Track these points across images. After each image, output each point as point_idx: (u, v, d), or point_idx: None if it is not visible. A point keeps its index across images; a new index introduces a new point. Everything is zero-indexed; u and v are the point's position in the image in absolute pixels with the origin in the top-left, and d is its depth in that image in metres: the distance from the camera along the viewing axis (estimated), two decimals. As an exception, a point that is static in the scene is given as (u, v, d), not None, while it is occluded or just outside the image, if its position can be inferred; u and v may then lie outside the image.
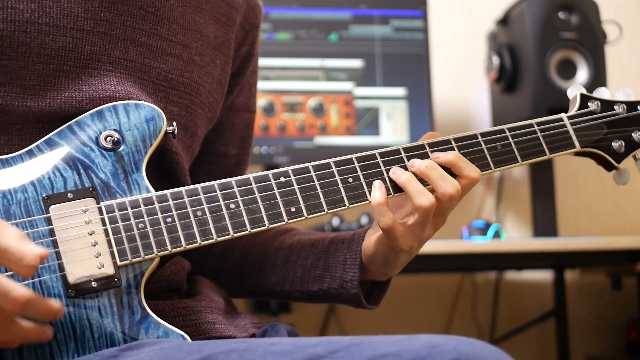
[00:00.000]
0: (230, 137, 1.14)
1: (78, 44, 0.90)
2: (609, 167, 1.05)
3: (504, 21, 2.23)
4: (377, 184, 0.92)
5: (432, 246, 1.86)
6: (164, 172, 0.96)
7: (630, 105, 1.06)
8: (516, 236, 2.43)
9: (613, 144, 1.04)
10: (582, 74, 2.10)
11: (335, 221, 1.92)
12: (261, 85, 2.10)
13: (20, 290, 0.72)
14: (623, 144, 1.04)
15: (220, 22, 1.04)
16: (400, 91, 2.18)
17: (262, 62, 2.11)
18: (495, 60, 2.20)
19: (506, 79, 2.18)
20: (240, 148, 1.15)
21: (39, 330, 0.77)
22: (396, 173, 0.93)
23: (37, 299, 0.74)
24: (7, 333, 0.75)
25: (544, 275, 2.45)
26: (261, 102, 2.10)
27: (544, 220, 2.16)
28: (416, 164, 0.93)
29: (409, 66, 2.19)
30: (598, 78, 2.08)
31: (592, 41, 2.10)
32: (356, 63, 2.17)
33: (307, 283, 1.04)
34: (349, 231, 1.03)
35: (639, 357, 2.34)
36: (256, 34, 1.12)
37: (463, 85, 2.47)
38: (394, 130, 2.16)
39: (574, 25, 2.09)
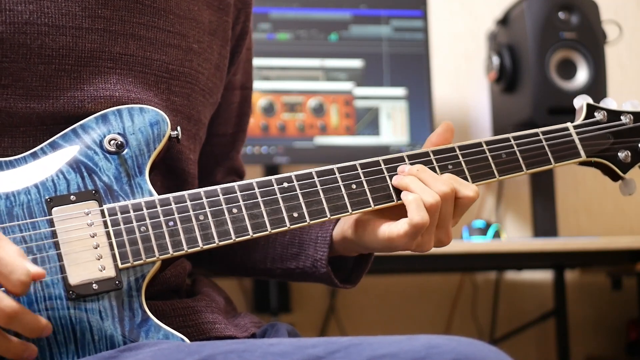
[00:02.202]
0: (227, 116, 1.14)
1: (78, 43, 0.90)
2: (615, 177, 1.04)
3: (504, 21, 2.23)
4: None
5: (432, 246, 1.86)
6: (167, 164, 0.96)
7: (637, 116, 1.06)
8: (516, 236, 2.43)
9: (619, 154, 1.04)
10: (582, 74, 2.10)
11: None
12: (261, 85, 2.10)
13: (7, 301, 0.72)
14: (629, 154, 1.04)
15: (213, 6, 1.05)
16: (400, 91, 2.18)
17: (262, 62, 2.12)
18: (495, 60, 2.20)
19: (506, 79, 2.18)
20: (237, 126, 1.16)
21: (23, 346, 0.76)
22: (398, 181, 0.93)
23: (25, 313, 0.74)
24: None
25: (544, 275, 2.45)
26: (261, 102, 2.10)
27: (544, 220, 2.16)
28: (406, 169, 0.93)
29: (409, 66, 2.19)
30: (598, 78, 2.08)
31: (592, 41, 2.10)
32: (356, 63, 2.18)
33: (286, 261, 1.04)
34: None
35: (639, 357, 2.34)
36: (249, 11, 1.12)
37: (463, 85, 2.47)
38: (394, 130, 2.16)
39: (574, 25, 2.09)
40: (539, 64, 2.06)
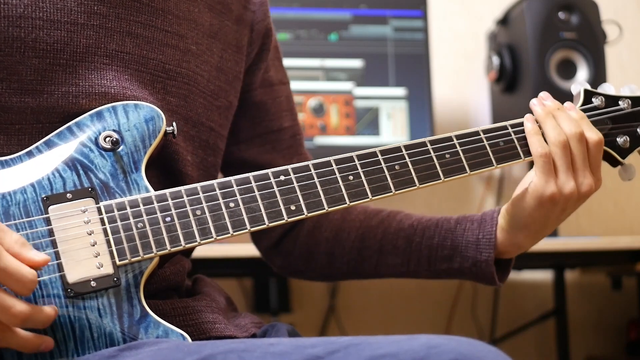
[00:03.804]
0: (278, 111, 1.15)
1: (73, 38, 0.90)
2: (613, 162, 1.04)
3: (504, 21, 2.23)
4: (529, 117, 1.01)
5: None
6: (163, 164, 0.96)
7: (635, 101, 1.05)
8: (516, 236, 2.43)
9: (618, 139, 1.03)
10: (582, 74, 2.10)
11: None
12: (261, 85, 2.10)
13: (20, 307, 0.74)
14: (628, 139, 1.03)
15: (214, 10, 1.05)
16: (400, 91, 2.18)
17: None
18: (495, 60, 2.20)
19: (506, 79, 2.18)
20: (291, 119, 1.17)
21: (39, 339, 0.77)
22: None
23: (37, 313, 0.76)
24: (2, 342, 0.76)
25: (544, 275, 2.45)
26: (261, 102, 2.10)
27: (544, 220, 2.15)
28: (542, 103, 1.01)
29: (409, 66, 2.19)
30: (598, 78, 2.07)
31: (592, 41, 2.10)
32: (356, 63, 2.17)
33: (435, 262, 1.07)
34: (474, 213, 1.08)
35: (639, 357, 2.34)
36: (265, 10, 1.14)
37: (463, 85, 2.47)
38: (394, 130, 2.16)
39: (574, 25, 2.09)
40: (539, 64, 2.06)
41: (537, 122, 1.00)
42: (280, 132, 1.15)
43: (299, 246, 1.16)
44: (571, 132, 0.97)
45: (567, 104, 1.01)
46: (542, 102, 1.01)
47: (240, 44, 1.08)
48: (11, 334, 0.76)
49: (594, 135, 0.98)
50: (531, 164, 0.99)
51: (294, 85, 2.25)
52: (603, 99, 1.04)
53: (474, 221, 1.05)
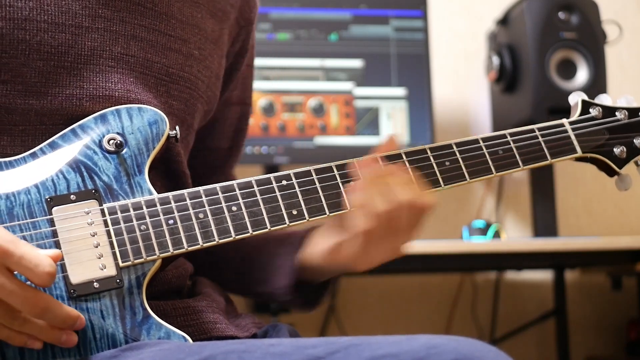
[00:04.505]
0: (223, 131, 1.14)
1: (77, 41, 0.90)
2: (610, 172, 1.05)
3: (504, 21, 2.23)
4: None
5: (432, 246, 1.86)
6: (168, 167, 0.96)
7: (632, 112, 1.06)
8: (516, 236, 2.44)
9: (615, 149, 1.04)
10: (582, 74, 2.10)
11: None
12: (261, 85, 2.10)
13: (38, 296, 0.75)
14: (625, 149, 1.04)
15: (216, 16, 1.05)
16: (400, 91, 2.18)
17: (262, 62, 2.12)
18: (495, 60, 2.20)
19: (506, 79, 2.18)
20: (232, 140, 1.15)
21: (58, 332, 0.78)
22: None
23: (56, 305, 0.76)
24: (26, 329, 0.77)
25: (544, 275, 2.45)
26: (261, 102, 2.10)
27: (544, 220, 2.16)
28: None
29: (409, 66, 2.19)
30: (598, 78, 2.08)
31: (592, 41, 2.10)
32: (356, 63, 2.18)
33: (255, 286, 1.04)
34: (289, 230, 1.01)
35: (639, 357, 2.34)
36: (250, 29, 1.12)
37: (463, 85, 2.47)
38: (394, 130, 2.16)
39: (574, 25, 2.09)
40: (539, 64, 2.06)
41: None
42: (216, 151, 1.14)
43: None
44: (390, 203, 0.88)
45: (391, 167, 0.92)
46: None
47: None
48: (31, 324, 0.76)
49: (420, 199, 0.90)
50: (530, 170, 1.00)
51: (294, 85, 2.25)
52: (600, 110, 1.05)
53: (283, 242, 1.01)
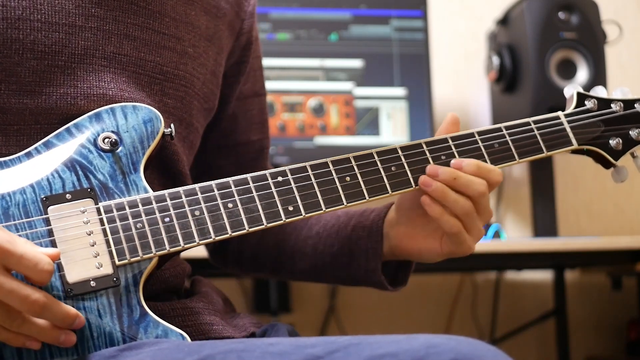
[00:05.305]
0: (247, 124, 1.16)
1: (71, 40, 0.90)
2: (606, 164, 1.05)
3: (504, 21, 2.23)
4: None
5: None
6: (164, 166, 0.96)
7: (627, 104, 1.06)
8: (516, 236, 2.43)
9: (610, 141, 1.04)
10: (582, 74, 2.09)
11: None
12: (261, 85, 2.10)
13: (38, 294, 0.75)
14: (620, 141, 1.04)
15: (210, 13, 1.05)
16: (400, 91, 2.18)
17: (262, 61, 2.12)
18: (495, 60, 2.20)
19: (506, 79, 2.18)
20: (260, 132, 1.18)
21: (57, 332, 0.78)
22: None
23: (55, 303, 0.77)
24: (24, 329, 0.77)
25: (544, 275, 2.45)
26: (261, 102, 2.10)
27: (544, 220, 2.16)
28: (440, 173, 0.94)
29: (409, 66, 2.19)
30: (598, 78, 2.07)
31: (592, 41, 2.10)
32: (356, 63, 2.18)
33: (336, 269, 1.08)
34: (368, 211, 1.07)
35: (639, 357, 2.34)
36: (252, 21, 1.13)
37: (463, 85, 2.47)
38: (394, 130, 2.16)
39: (574, 25, 2.09)
40: (539, 64, 2.06)
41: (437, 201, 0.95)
42: (247, 145, 1.17)
43: (231, 249, 1.20)
44: (475, 193, 0.94)
45: (456, 162, 0.96)
46: (432, 181, 0.94)
47: (227, 50, 1.09)
48: (29, 324, 0.76)
49: (495, 176, 0.96)
50: (529, 164, 1.00)
51: (294, 85, 2.25)
52: (596, 102, 1.05)
53: (365, 228, 1.05)
